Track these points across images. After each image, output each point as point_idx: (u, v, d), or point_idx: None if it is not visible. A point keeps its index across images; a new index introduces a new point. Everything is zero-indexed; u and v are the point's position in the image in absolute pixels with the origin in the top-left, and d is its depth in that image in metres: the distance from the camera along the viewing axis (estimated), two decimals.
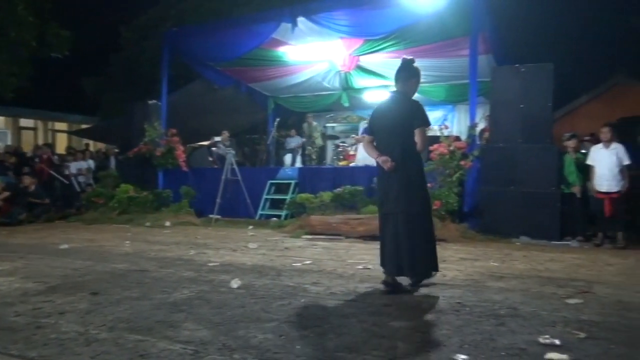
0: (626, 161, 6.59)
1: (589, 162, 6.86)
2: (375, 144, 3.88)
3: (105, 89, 18.38)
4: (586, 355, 2.39)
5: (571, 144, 7.29)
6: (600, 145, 6.83)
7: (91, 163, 12.65)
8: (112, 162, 12.87)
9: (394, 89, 3.92)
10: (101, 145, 16.92)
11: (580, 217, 7.05)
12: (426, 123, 3.72)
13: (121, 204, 9.76)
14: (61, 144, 18.59)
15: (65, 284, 3.98)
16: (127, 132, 11.37)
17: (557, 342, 2.53)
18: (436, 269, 3.90)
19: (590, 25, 14.25)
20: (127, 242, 6.65)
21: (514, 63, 7.79)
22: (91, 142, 16.87)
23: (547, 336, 2.60)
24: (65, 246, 6.16)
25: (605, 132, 6.79)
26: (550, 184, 7.03)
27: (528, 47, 12.48)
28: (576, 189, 7.00)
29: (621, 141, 6.75)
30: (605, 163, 6.66)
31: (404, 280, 3.80)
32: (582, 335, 2.68)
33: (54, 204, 10.95)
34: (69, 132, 19.14)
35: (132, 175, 10.53)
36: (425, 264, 3.75)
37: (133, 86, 16.89)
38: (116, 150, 13.40)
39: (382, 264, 3.81)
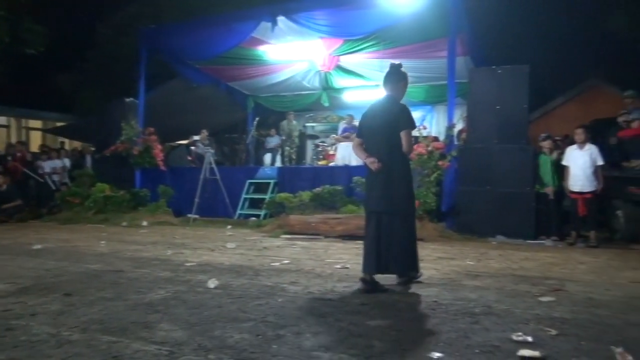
0: (600, 162, 6.74)
1: (563, 162, 7.01)
2: (364, 145, 3.97)
3: (82, 86, 18.04)
4: (557, 351, 2.43)
5: (546, 144, 7.44)
6: (574, 146, 6.98)
7: (66, 162, 12.41)
8: (88, 160, 12.65)
9: (383, 92, 4.01)
10: (77, 144, 16.60)
11: (554, 216, 7.20)
12: (411, 126, 3.83)
13: (97, 204, 9.60)
14: (35, 142, 18.16)
15: (38, 285, 3.90)
16: (104, 130, 11.20)
17: (529, 339, 2.57)
18: (416, 270, 3.94)
19: (566, 28, 14.54)
20: (103, 242, 6.54)
21: (491, 65, 7.91)
22: (67, 141, 16.53)
23: (520, 333, 2.65)
24: (38, 246, 6.03)
25: (579, 134, 6.94)
26: (525, 184, 7.16)
27: (505, 49, 12.67)
28: (549, 190, 7.15)
29: (594, 142, 6.91)
30: (579, 163, 6.80)
31: (384, 281, 3.82)
32: (554, 332, 2.73)
33: (28, 204, 10.71)
34: (44, 130, 18.72)
35: (108, 174, 10.37)
36: (404, 263, 3.80)
37: (110, 84, 16.60)
38: (92, 149, 13.17)
39: (363, 262, 3.85)
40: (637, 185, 6.80)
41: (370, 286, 3.74)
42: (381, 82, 4.04)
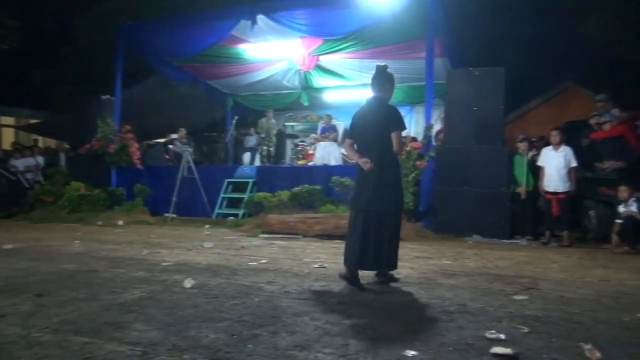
0: (573, 163, 6.90)
1: (539, 163, 7.15)
2: (355, 146, 4.08)
3: (56, 83, 17.65)
4: (529, 348, 2.48)
5: (522, 145, 7.58)
6: (550, 148, 7.13)
7: (40, 160, 12.13)
8: (62, 159, 12.38)
9: (371, 94, 4.09)
10: (51, 142, 16.26)
11: (529, 216, 7.34)
12: (401, 127, 3.93)
13: (71, 203, 9.42)
14: (7, 139, 17.72)
15: (8, 286, 3.80)
16: (79, 128, 10.98)
17: (502, 336, 2.62)
18: (395, 268, 4.01)
19: (541, 31, 14.80)
20: (77, 241, 6.42)
21: (469, 66, 8.01)
22: (40, 138, 16.17)
23: (493, 331, 2.69)
24: (9, 246, 5.89)
25: (554, 135, 7.09)
26: (501, 184, 7.28)
27: (483, 51, 12.84)
28: (521, 190, 7.29)
29: (566, 143, 7.07)
30: (553, 164, 6.95)
31: (363, 280, 3.84)
32: (526, 329, 2.78)
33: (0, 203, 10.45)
34: (17, 127, 18.28)
35: (83, 172, 10.18)
36: (391, 259, 3.90)
37: (86, 80, 16.31)
38: (67, 147, 12.91)
39: (345, 258, 3.92)
40: (608, 186, 6.97)
41: (352, 281, 3.81)
42: (368, 84, 4.15)
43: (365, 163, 3.83)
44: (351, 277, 3.82)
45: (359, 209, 3.92)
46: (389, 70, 4.07)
